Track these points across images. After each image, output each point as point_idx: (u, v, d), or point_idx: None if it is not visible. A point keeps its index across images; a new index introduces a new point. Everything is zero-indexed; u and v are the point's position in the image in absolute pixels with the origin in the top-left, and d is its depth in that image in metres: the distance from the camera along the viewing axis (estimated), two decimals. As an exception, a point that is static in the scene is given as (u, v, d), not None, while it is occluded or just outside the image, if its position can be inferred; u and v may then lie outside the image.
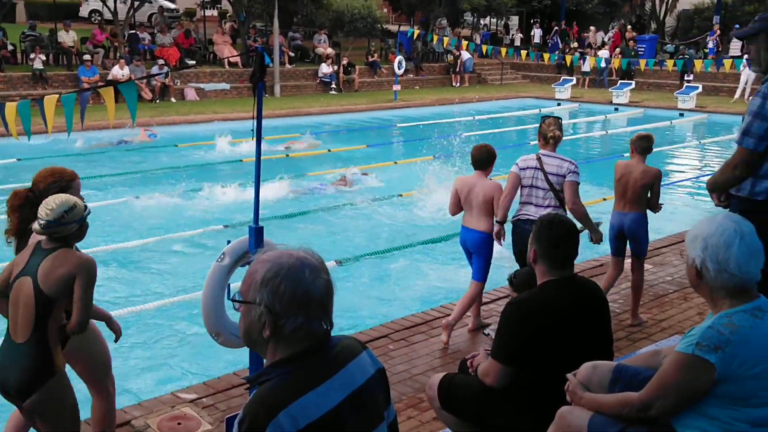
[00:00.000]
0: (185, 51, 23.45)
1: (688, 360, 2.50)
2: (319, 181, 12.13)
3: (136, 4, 24.67)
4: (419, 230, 9.57)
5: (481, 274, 5.54)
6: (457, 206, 5.61)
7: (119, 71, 19.92)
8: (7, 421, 3.68)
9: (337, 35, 28.18)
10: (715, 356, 2.45)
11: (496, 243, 5.52)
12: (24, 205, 3.50)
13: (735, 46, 27.52)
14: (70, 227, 3.22)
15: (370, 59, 26.93)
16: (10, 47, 21.26)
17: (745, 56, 21.50)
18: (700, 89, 22.63)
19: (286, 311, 1.84)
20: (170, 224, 9.47)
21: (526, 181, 5.38)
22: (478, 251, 5.50)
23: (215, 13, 37.70)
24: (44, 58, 20.14)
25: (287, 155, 14.32)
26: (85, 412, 3.60)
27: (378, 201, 10.89)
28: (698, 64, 23.37)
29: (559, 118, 5.68)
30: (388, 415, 2.04)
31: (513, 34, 36.26)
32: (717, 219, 2.60)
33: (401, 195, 11.18)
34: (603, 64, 25.98)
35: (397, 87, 22.94)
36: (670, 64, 23.48)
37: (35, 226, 3.22)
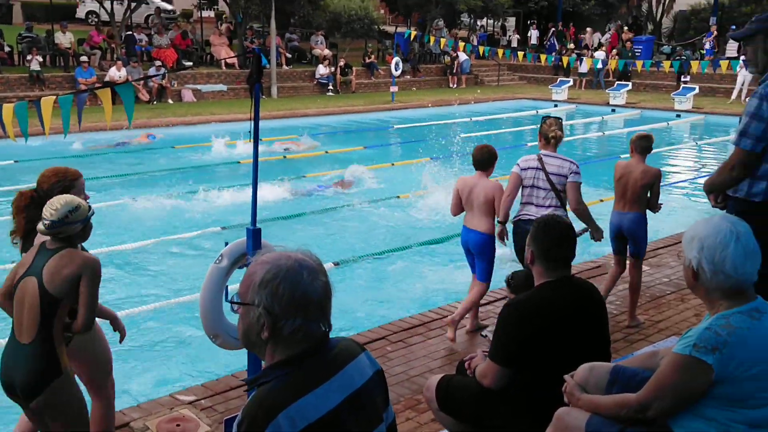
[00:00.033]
0: (182, 52, 23.45)
1: (686, 361, 2.51)
2: (317, 183, 12.13)
3: (133, 5, 24.66)
4: (417, 232, 9.58)
5: (486, 274, 5.59)
6: (459, 207, 5.65)
7: (116, 73, 19.90)
8: (15, 428, 3.69)
9: (334, 36, 28.19)
10: (712, 357, 2.46)
11: (498, 243, 5.57)
12: (29, 206, 3.55)
13: (732, 48, 27.56)
14: (75, 227, 3.26)
15: (367, 60, 26.93)
16: (6, 48, 21.26)
17: (742, 57, 21.58)
18: (696, 90, 22.68)
19: (284, 313, 1.84)
20: (167, 226, 9.47)
21: (527, 181, 5.43)
22: (480, 252, 5.53)
23: (212, 14, 37.74)
24: (41, 59, 20.12)
25: (284, 157, 14.32)
26: (84, 414, 3.60)
27: (375, 202, 10.89)
28: (695, 65, 23.41)
29: (560, 119, 5.72)
30: (386, 417, 2.04)
31: (510, 36, 36.34)
32: (713, 220, 2.61)
33: (398, 197, 11.18)
34: (600, 66, 26.03)
35: (394, 88, 22.95)
36: (666, 65, 23.51)
37: (40, 226, 3.26)
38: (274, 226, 9.38)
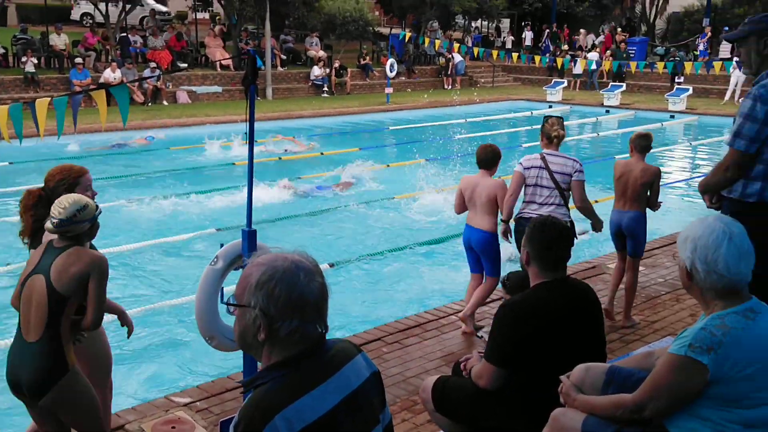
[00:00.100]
0: (177, 54, 23.40)
1: (681, 361, 2.52)
2: (315, 185, 12.11)
3: (128, 7, 24.61)
4: (412, 233, 9.58)
5: (494, 271, 5.64)
6: (462, 205, 5.70)
7: (111, 74, 19.85)
8: None
9: (329, 38, 28.17)
10: (707, 358, 2.47)
11: (503, 240, 5.64)
12: (37, 204, 3.60)
13: (725, 49, 27.65)
14: (82, 226, 3.28)
15: (362, 62, 26.94)
16: (1, 50, 21.19)
17: (735, 59, 21.66)
18: (690, 91, 22.75)
19: (281, 314, 1.84)
20: (163, 228, 9.45)
21: (530, 180, 5.51)
22: (483, 251, 5.58)
23: (207, 15, 37.67)
24: (36, 61, 20.06)
25: (280, 158, 14.31)
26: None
27: (371, 203, 10.89)
28: (688, 67, 23.50)
29: (561, 118, 5.80)
30: (383, 418, 2.04)
31: (504, 37, 36.40)
32: (707, 220, 2.62)
33: (394, 197, 11.18)
34: (594, 67, 26.09)
35: (389, 90, 22.96)
36: (660, 66, 23.59)
37: (48, 224, 3.28)
38: (270, 227, 9.37)
